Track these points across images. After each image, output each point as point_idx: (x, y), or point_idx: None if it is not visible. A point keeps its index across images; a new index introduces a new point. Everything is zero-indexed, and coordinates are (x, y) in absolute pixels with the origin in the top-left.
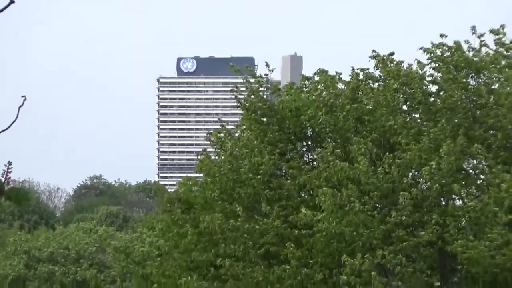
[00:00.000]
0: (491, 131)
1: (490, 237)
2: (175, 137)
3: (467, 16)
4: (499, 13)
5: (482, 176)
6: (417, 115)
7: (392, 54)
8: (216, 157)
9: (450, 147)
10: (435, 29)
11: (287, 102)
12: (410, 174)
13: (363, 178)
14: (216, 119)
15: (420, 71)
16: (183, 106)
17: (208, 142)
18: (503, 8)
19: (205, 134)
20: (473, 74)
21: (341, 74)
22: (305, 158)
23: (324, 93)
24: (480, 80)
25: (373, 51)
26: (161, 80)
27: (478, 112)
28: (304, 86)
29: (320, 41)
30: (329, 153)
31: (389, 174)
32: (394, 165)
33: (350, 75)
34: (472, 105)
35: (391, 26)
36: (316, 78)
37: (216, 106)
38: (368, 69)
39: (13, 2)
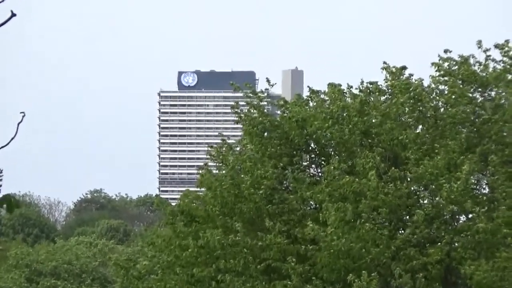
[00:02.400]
0: (495, 146)
1: (499, 262)
2: (175, 151)
3: (472, 30)
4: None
5: (485, 191)
6: (424, 129)
7: (404, 68)
8: (217, 171)
9: (471, 167)
10: (437, 42)
11: (294, 112)
12: (421, 189)
13: (372, 193)
14: (216, 133)
15: (433, 85)
16: (184, 120)
17: (209, 157)
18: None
19: (205, 148)
20: (479, 89)
21: (351, 87)
22: (309, 171)
23: (331, 105)
24: (486, 94)
25: (384, 62)
26: (162, 94)
27: (484, 127)
28: (310, 98)
29: (321, 55)
30: (334, 168)
31: (399, 191)
32: (405, 181)
33: (358, 88)
34: (477, 119)
35: (393, 38)
36: (323, 92)
37: (217, 120)
38: (377, 82)
39: (15, 15)
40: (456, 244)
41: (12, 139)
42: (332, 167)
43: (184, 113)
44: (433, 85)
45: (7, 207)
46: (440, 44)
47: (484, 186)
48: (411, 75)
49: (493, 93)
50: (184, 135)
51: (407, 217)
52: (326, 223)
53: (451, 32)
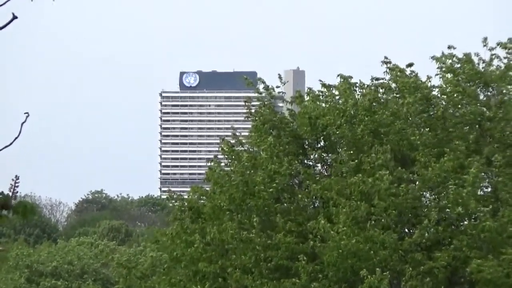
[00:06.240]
0: (498, 145)
1: (507, 259)
2: (177, 151)
3: (477, 28)
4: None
5: (488, 189)
6: (431, 131)
7: (411, 65)
8: (227, 167)
9: (480, 169)
10: (441, 40)
11: (307, 107)
12: (427, 192)
13: (383, 194)
14: (217, 134)
15: (444, 86)
16: (186, 121)
17: (219, 150)
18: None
19: (207, 149)
20: (482, 87)
21: (363, 84)
22: (318, 167)
23: (342, 100)
24: (489, 93)
25: (385, 57)
26: (163, 94)
27: (487, 125)
28: (321, 94)
29: (323, 55)
30: (341, 162)
31: (409, 193)
32: (411, 183)
33: (364, 86)
34: (480, 118)
35: (395, 38)
36: (333, 86)
37: (218, 121)
38: (383, 79)
39: (16, 17)
40: (461, 243)
41: (16, 139)
42: (340, 162)
43: (186, 113)
44: (443, 86)
45: (22, 213)
46: (443, 44)
47: (487, 186)
48: (412, 71)
49: (494, 92)
50: (186, 136)
51: (415, 219)
52: (335, 221)
53: (453, 33)
